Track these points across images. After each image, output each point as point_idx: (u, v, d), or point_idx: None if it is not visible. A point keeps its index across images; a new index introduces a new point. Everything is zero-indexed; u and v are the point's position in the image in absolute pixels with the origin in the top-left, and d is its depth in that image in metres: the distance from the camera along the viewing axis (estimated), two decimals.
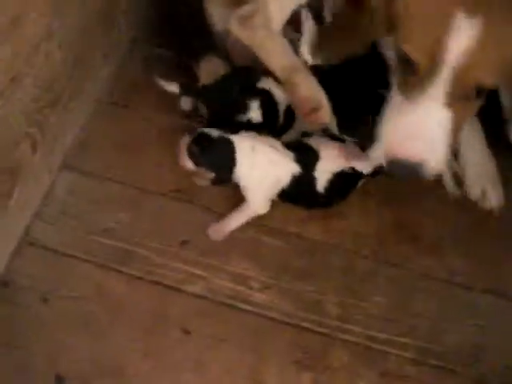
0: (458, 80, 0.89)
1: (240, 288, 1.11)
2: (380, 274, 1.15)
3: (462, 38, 0.85)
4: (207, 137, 1.12)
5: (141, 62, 1.38)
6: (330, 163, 1.14)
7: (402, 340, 1.09)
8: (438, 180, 1.24)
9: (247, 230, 1.16)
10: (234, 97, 1.19)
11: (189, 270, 1.12)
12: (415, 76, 0.92)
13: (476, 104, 0.96)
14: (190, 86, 1.23)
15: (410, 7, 0.90)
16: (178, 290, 1.10)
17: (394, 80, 0.99)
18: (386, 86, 1.05)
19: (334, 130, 1.20)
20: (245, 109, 1.18)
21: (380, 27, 0.96)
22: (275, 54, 1.19)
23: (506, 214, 1.22)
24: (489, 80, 0.89)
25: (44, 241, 1.14)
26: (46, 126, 1.13)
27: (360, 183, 1.19)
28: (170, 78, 1.24)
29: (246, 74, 1.22)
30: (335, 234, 1.17)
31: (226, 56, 1.28)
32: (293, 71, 1.17)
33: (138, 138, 1.25)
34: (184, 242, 1.15)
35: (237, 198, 1.17)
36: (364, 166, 1.15)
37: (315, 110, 1.15)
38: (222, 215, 1.17)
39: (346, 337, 1.09)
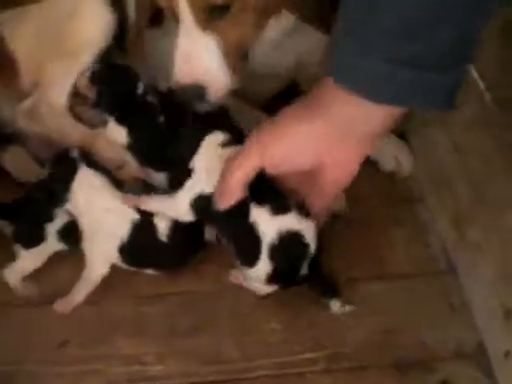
0: (193, 5, 1.02)
1: (135, 368, 1.06)
2: (265, 299, 1.13)
3: None
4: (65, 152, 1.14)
5: None
6: None
7: (309, 355, 1.08)
8: None
9: (123, 308, 1.13)
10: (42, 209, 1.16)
11: (78, 368, 1.06)
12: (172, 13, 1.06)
13: (238, 22, 1.06)
14: None
15: None
16: None
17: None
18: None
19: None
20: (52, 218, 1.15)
21: None
22: (69, 132, 1.24)
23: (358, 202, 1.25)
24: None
25: None
26: None
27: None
28: None
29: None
30: (210, 280, 1.15)
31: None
32: (91, 140, 1.22)
33: None
34: (64, 343, 1.09)
35: (104, 284, 1.13)
36: None
37: (121, 167, 1.20)
38: (96, 303, 1.13)
39: (255, 373, 1.06)
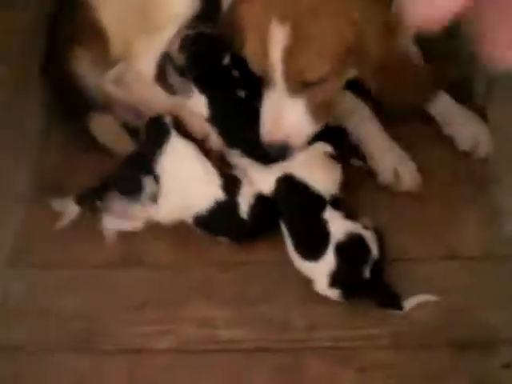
0: (288, 75, 1.08)
1: (206, 331, 1.13)
2: None
3: (278, 42, 1.05)
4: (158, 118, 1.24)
5: (58, 143, 1.40)
6: (251, 187, 1.19)
7: (373, 331, 1.11)
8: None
9: (197, 272, 1.19)
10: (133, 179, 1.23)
11: (154, 329, 1.14)
12: (264, 76, 1.12)
13: (326, 87, 1.13)
14: (87, 192, 1.25)
15: (243, 19, 1.11)
16: (150, 351, 1.12)
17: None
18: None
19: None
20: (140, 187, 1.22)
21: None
22: (155, 101, 1.30)
23: (432, 180, 1.26)
24: (312, 73, 1.08)
25: (9, 341, 1.15)
26: None
27: None
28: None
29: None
30: (281, 251, 1.18)
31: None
32: (176, 110, 1.28)
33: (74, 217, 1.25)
34: (142, 305, 1.16)
35: (182, 250, 1.21)
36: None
37: (206, 138, 1.26)
38: (173, 267, 1.20)
39: (318, 343, 1.11)
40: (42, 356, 1.13)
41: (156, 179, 1.21)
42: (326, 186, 1.16)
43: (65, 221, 1.23)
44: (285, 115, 1.13)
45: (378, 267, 1.11)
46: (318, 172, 1.16)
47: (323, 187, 1.16)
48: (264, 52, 1.08)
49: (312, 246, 1.12)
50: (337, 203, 1.16)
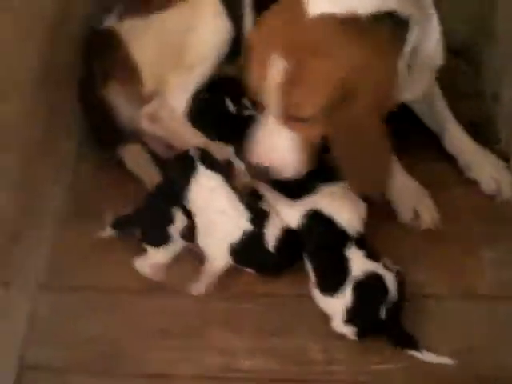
0: (281, 105, 1.11)
1: (226, 359, 1.16)
2: None
3: (276, 74, 1.07)
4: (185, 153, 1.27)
5: (91, 170, 1.45)
6: (278, 220, 1.22)
7: (387, 366, 1.13)
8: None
9: (219, 302, 1.22)
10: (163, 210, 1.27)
11: (175, 355, 1.17)
12: (260, 103, 1.16)
13: (313, 129, 1.14)
14: (121, 219, 1.29)
15: (251, 48, 1.14)
16: (171, 377, 1.15)
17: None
18: None
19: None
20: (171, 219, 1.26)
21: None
22: (186, 137, 1.35)
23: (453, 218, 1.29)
24: (302, 111, 1.10)
25: (38, 363, 1.18)
26: (11, 261, 1.21)
27: None
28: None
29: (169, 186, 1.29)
30: (302, 285, 1.21)
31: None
32: (208, 148, 1.30)
33: (103, 243, 1.30)
34: (164, 330, 1.20)
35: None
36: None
37: (236, 176, 1.30)
38: (195, 297, 1.23)
39: (335, 377, 1.13)
40: (64, 377, 1.17)
41: (186, 212, 1.26)
42: (352, 223, 1.19)
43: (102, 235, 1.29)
44: (274, 143, 1.16)
45: (396, 309, 1.12)
46: (344, 209, 1.19)
47: (349, 224, 1.19)
48: (263, 81, 1.10)
49: (331, 282, 1.15)
50: (361, 241, 1.18)
